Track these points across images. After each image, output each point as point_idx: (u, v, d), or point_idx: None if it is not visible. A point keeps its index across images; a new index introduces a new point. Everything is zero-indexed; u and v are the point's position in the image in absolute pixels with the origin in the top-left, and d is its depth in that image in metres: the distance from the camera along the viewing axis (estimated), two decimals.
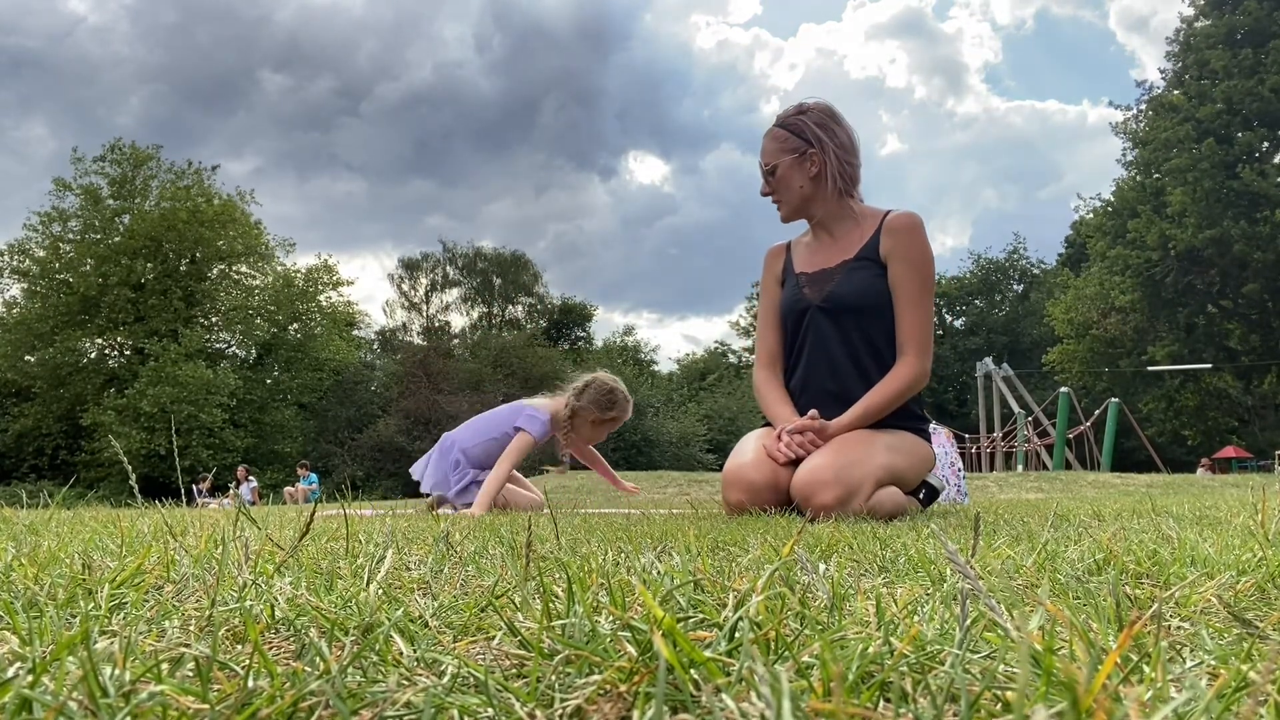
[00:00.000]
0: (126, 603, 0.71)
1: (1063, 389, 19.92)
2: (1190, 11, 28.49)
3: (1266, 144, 27.02)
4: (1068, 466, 19.18)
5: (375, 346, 36.29)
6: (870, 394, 2.47)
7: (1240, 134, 26.68)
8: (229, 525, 1.41)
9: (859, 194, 2.67)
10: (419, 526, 1.79)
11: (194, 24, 54.41)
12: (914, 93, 77.83)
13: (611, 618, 0.58)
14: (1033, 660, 0.44)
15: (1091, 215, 31.36)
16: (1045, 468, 19.54)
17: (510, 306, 41.41)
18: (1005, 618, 0.56)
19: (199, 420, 24.24)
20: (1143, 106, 29.39)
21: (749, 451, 2.47)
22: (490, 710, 0.44)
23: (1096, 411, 21.08)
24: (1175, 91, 28.39)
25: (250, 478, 16.17)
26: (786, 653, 0.51)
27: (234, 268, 28.30)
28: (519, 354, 30.32)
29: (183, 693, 0.43)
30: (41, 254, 26.30)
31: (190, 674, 0.49)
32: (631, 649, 0.49)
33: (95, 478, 24.05)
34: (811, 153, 2.59)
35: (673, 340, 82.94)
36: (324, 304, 30.14)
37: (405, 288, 40.31)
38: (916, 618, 0.64)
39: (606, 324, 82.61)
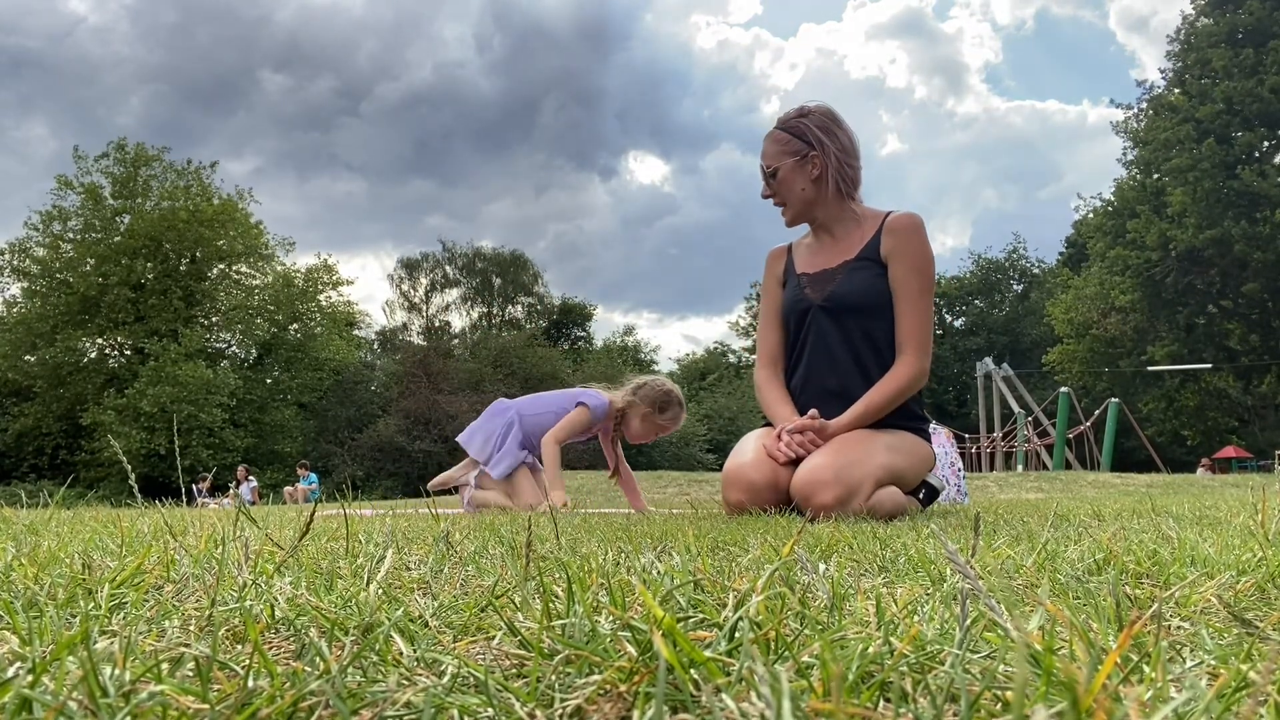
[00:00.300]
0: (126, 603, 0.71)
1: (1063, 389, 19.93)
2: (1192, 10, 28.49)
3: (1267, 144, 27.02)
4: (1068, 466, 19.19)
5: (375, 346, 36.30)
6: (870, 393, 2.47)
7: (1240, 134, 26.68)
8: (229, 525, 1.41)
9: (859, 196, 2.67)
10: (419, 526, 1.79)
11: (194, 24, 54.44)
12: (914, 93, 77.89)
13: (611, 618, 0.58)
14: (1033, 660, 0.44)
15: (1092, 215, 31.36)
16: (1045, 468, 19.55)
17: (510, 306, 41.43)
18: (1005, 618, 0.56)
19: (199, 420, 24.24)
20: (1143, 106, 29.40)
21: (749, 451, 2.47)
22: (490, 710, 0.44)
23: (1096, 411, 21.08)
24: (1176, 91, 28.39)
25: (250, 478, 16.17)
26: (786, 653, 0.51)
27: (234, 267, 28.30)
28: (519, 354, 30.31)
29: (183, 693, 0.43)
30: (42, 253, 26.30)
31: (190, 674, 0.49)
32: (631, 649, 0.49)
33: (95, 477, 24.05)
34: (813, 155, 2.59)
35: (673, 340, 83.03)
36: (324, 304, 30.14)
37: (405, 288, 40.35)
38: (916, 618, 0.64)
39: (606, 324, 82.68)
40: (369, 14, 64.35)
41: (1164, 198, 27.30)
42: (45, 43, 50.69)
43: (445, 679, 0.49)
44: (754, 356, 2.87)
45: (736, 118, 76.95)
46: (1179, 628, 0.65)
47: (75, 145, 26.64)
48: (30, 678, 0.43)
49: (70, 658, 0.47)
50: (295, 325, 29.12)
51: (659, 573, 0.83)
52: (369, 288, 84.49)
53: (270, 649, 0.59)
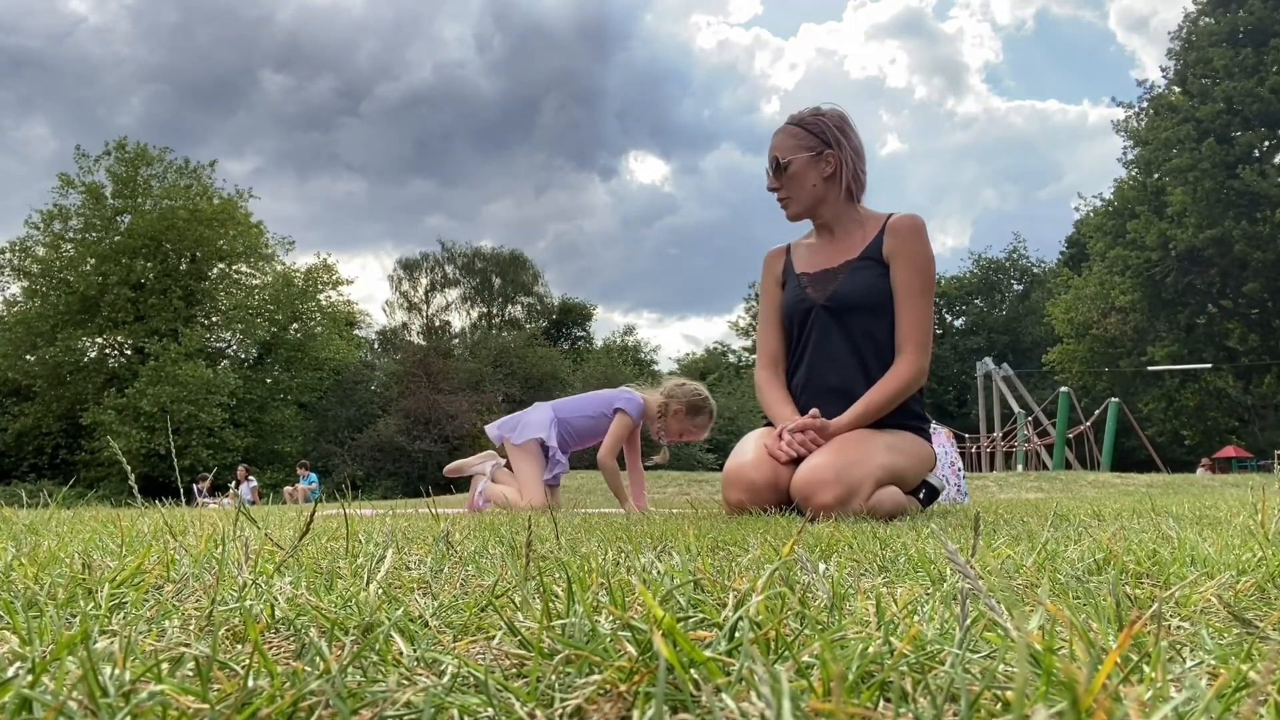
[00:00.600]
0: (126, 602, 0.71)
1: (1063, 389, 19.93)
2: (1194, 9, 28.48)
3: (1267, 144, 27.02)
4: (1068, 466, 19.19)
5: (375, 346, 36.32)
6: (870, 393, 2.47)
7: (1240, 134, 26.67)
8: (229, 525, 1.41)
9: (862, 200, 2.69)
10: (419, 526, 1.79)
11: (194, 24, 54.43)
12: (914, 93, 77.88)
13: (611, 617, 0.58)
14: (1033, 660, 0.44)
15: (1092, 215, 31.36)
16: (1045, 468, 19.55)
17: (510, 306, 41.43)
18: (1005, 618, 0.56)
19: (199, 420, 24.25)
20: (1144, 106, 29.39)
21: (749, 451, 2.48)
22: (490, 710, 0.44)
23: (1096, 411, 21.08)
24: (1176, 90, 28.38)
25: (250, 477, 16.17)
26: (786, 653, 0.51)
27: (234, 267, 28.31)
28: (519, 354, 30.33)
29: (183, 692, 0.43)
30: (42, 252, 26.30)
31: (190, 674, 0.49)
32: (631, 649, 0.49)
33: (95, 477, 24.06)
34: (829, 153, 2.61)
35: (673, 340, 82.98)
36: (324, 304, 30.15)
37: (405, 288, 40.36)
38: (916, 618, 0.64)
39: (606, 324, 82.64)
40: (369, 14, 64.37)
41: (1164, 198, 27.29)
42: (46, 43, 50.71)
43: (445, 679, 0.49)
44: (754, 356, 2.86)
45: (737, 118, 76.97)
46: (1179, 628, 0.65)
47: (77, 145, 26.65)
48: (30, 678, 0.43)
49: (70, 657, 0.47)
50: (295, 325, 29.12)
51: (659, 573, 0.83)
52: (369, 288, 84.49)
53: (270, 649, 0.59)
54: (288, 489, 15.24)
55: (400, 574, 0.91)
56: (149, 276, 26.08)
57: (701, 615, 0.61)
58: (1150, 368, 27.60)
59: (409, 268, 40.60)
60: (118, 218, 26.45)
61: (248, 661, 0.47)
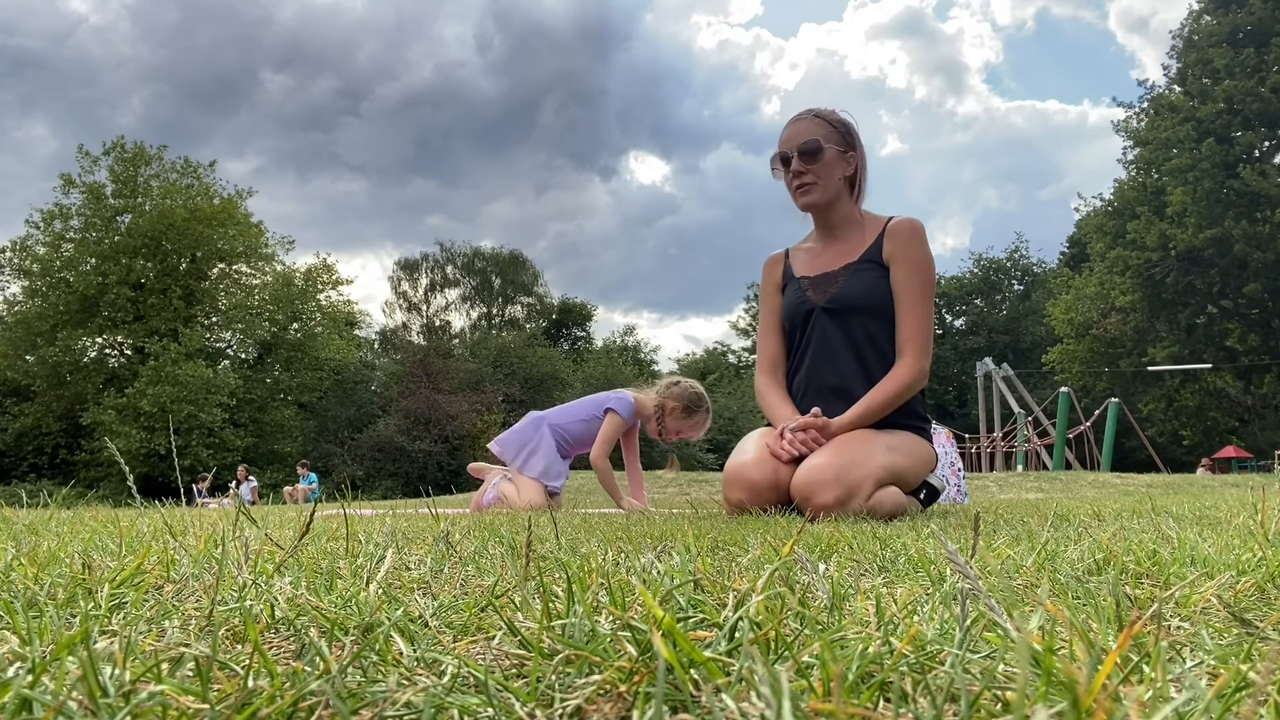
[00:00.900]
0: (126, 603, 0.71)
1: (1063, 389, 19.92)
2: (1196, 7, 28.47)
3: (1267, 144, 27.02)
4: (1068, 466, 19.19)
5: (375, 346, 36.32)
6: (870, 394, 2.47)
7: (1240, 134, 26.67)
8: (229, 525, 1.41)
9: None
10: (419, 526, 1.79)
11: (195, 24, 54.46)
12: (914, 93, 77.91)
13: (611, 618, 0.58)
14: (1033, 660, 0.44)
15: (1092, 215, 31.36)
16: (1045, 468, 19.55)
17: (510, 306, 41.45)
18: (1005, 618, 0.56)
19: (199, 420, 24.25)
20: (1144, 106, 29.39)
21: (750, 451, 2.47)
22: (490, 710, 0.44)
23: (1096, 411, 21.08)
24: (1177, 89, 28.38)
25: (250, 477, 16.17)
26: (786, 653, 0.51)
27: (234, 267, 28.31)
28: (519, 354, 30.33)
29: (183, 693, 0.43)
30: (42, 251, 26.30)
31: (190, 674, 0.49)
32: (631, 649, 0.49)
33: (95, 477, 24.05)
34: (851, 155, 2.62)
35: (673, 340, 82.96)
36: (324, 304, 30.15)
37: (404, 288, 40.37)
38: (916, 618, 0.64)
39: (606, 324, 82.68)
40: (370, 14, 64.40)
41: (1164, 198, 27.30)
42: (46, 43, 50.72)
43: (445, 679, 0.49)
44: (754, 356, 2.85)
45: (737, 118, 77.00)
46: (1179, 628, 0.65)
47: (80, 144, 26.64)
48: (30, 678, 0.43)
49: (70, 658, 0.47)
50: (295, 325, 29.12)
51: (659, 573, 0.83)
52: (369, 288, 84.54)
53: (270, 649, 0.59)
54: (288, 489, 15.24)
55: (400, 574, 0.91)
56: (149, 276, 26.08)
57: (701, 615, 0.61)
58: (1150, 368, 27.59)
59: (409, 268, 40.63)
60: (118, 217, 26.45)
61: (248, 661, 0.47)
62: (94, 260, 25.83)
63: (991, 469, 21.24)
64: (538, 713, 0.44)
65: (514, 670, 0.54)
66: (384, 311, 40.55)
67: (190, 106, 55.99)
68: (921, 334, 2.52)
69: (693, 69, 76.66)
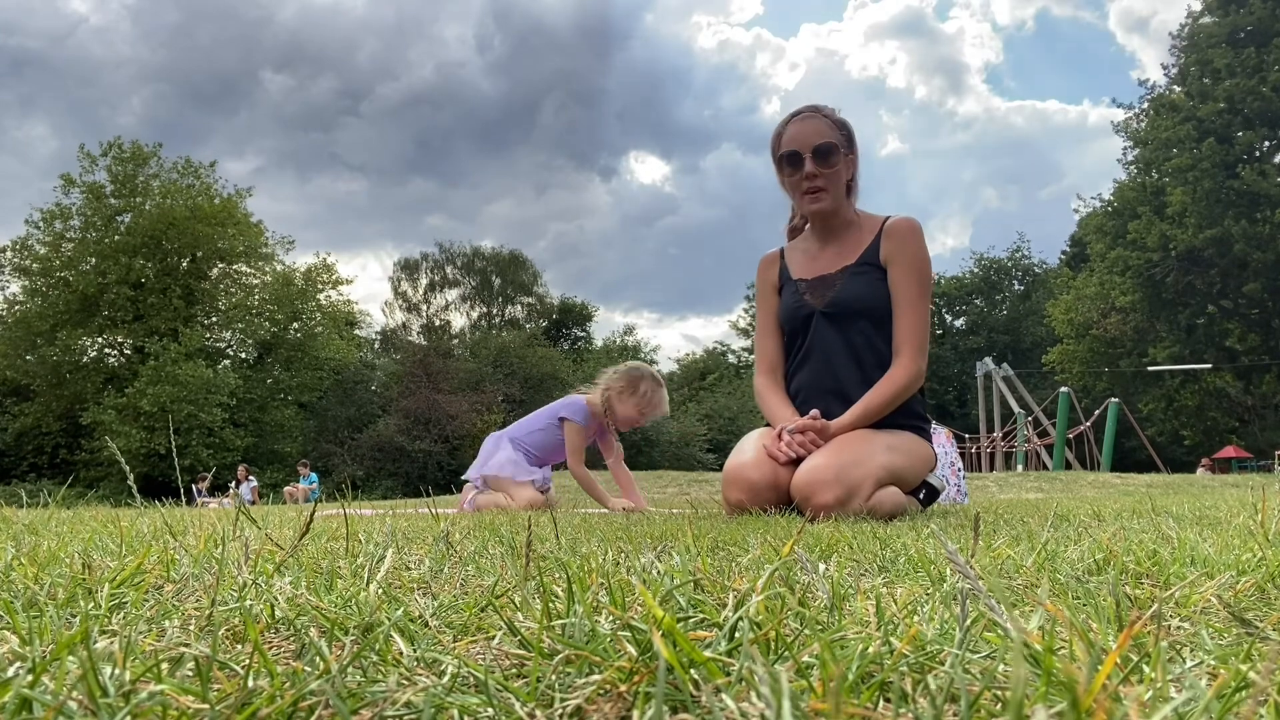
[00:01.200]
0: (126, 602, 0.71)
1: (1063, 389, 19.92)
2: (1198, 6, 28.48)
3: (1267, 143, 27.02)
4: (1068, 466, 19.19)
5: (376, 346, 36.33)
6: (869, 395, 2.47)
7: (1241, 133, 26.67)
8: (229, 525, 1.41)
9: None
10: (419, 526, 1.79)
11: (195, 24, 54.44)
12: (914, 93, 77.90)
13: (611, 618, 0.58)
14: (1032, 660, 0.44)
15: (1091, 216, 31.36)
16: (1045, 468, 19.55)
17: (510, 306, 41.45)
18: (1005, 618, 0.56)
19: (199, 419, 24.24)
20: (1144, 105, 29.40)
21: (749, 451, 2.47)
22: (490, 710, 0.44)
23: (1096, 412, 21.08)
24: (1177, 89, 28.38)
25: (250, 477, 16.17)
26: (786, 653, 0.51)
27: (233, 267, 28.31)
28: (519, 354, 30.31)
29: (183, 692, 0.43)
30: (43, 251, 26.30)
31: (190, 674, 0.49)
32: (631, 649, 0.49)
33: (95, 477, 24.05)
34: (851, 156, 2.60)
35: (673, 340, 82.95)
36: (323, 303, 30.15)
37: (404, 288, 40.38)
38: (916, 618, 0.64)
39: (606, 324, 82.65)
40: (370, 14, 64.41)
41: (1164, 198, 27.30)
42: (47, 43, 50.73)
43: (445, 679, 0.49)
44: (754, 356, 2.82)
45: (737, 118, 76.95)
46: (1179, 628, 0.65)
47: (81, 144, 26.64)
48: (30, 677, 0.43)
49: (70, 657, 0.47)
50: (295, 325, 29.12)
51: (659, 573, 0.83)
52: (369, 288, 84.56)
53: (270, 649, 0.59)
54: (288, 489, 15.24)
55: (400, 574, 0.91)
56: (149, 276, 26.07)
57: (701, 615, 0.61)
58: (1150, 368, 27.60)
59: (408, 268, 40.65)
60: (117, 217, 26.45)
61: (248, 661, 0.47)
62: (94, 260, 25.83)
63: (991, 469, 21.24)
64: (538, 713, 0.44)
65: (514, 670, 0.54)
66: (384, 312, 40.58)
67: (190, 106, 56.03)
68: (918, 334, 2.51)
69: (693, 69, 76.66)
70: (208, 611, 0.64)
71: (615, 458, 3.91)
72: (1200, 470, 18.05)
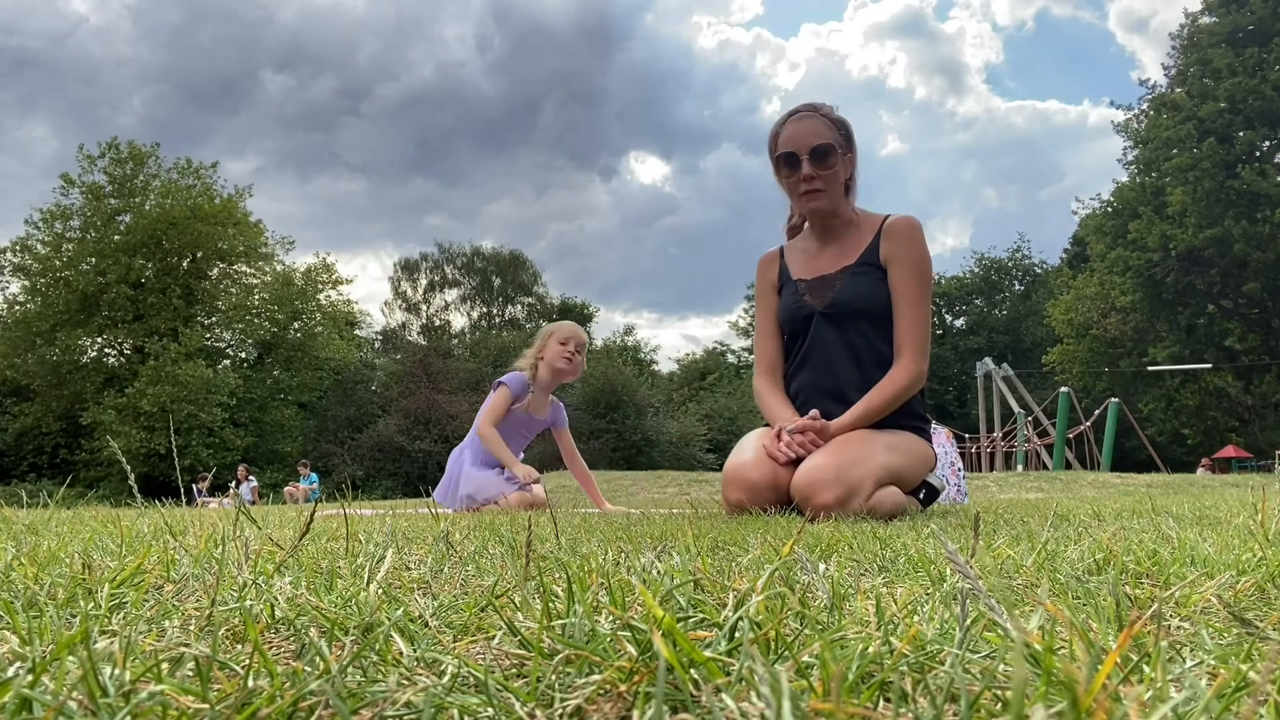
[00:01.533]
0: (126, 602, 0.71)
1: (1063, 389, 19.91)
2: (1198, 6, 28.48)
3: (1267, 143, 27.02)
4: (1068, 466, 19.18)
5: (376, 346, 36.33)
6: (869, 395, 2.47)
7: (1241, 133, 26.67)
8: (229, 525, 1.41)
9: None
10: (419, 526, 1.79)
11: (196, 24, 54.45)
12: (915, 93, 77.91)
13: (611, 617, 0.58)
14: (1032, 660, 0.44)
15: (1091, 217, 31.37)
16: (1045, 468, 19.54)
17: (510, 306, 41.45)
18: (1005, 618, 0.56)
19: (199, 419, 24.24)
20: (1144, 105, 29.41)
21: (749, 451, 2.47)
22: (490, 710, 0.44)
23: (1096, 411, 21.08)
24: (1178, 90, 28.38)
25: (250, 477, 16.18)
26: (786, 653, 0.51)
27: (233, 267, 28.31)
28: (519, 354, 30.27)
29: (183, 692, 0.43)
30: (43, 251, 26.30)
31: (190, 674, 0.49)
32: (631, 649, 0.49)
33: (95, 477, 24.05)
34: (849, 155, 2.59)
35: (673, 340, 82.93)
36: (323, 303, 30.15)
37: (404, 288, 40.39)
38: (916, 618, 0.64)
39: (607, 324, 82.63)
40: (370, 14, 64.43)
41: (1164, 198, 27.30)
42: (47, 43, 50.74)
43: (445, 679, 0.49)
44: (753, 356, 2.80)
45: (737, 118, 76.94)
46: (1179, 628, 0.65)
47: (80, 144, 26.64)
48: (30, 677, 0.43)
49: (70, 657, 0.47)
50: (295, 325, 29.12)
51: (659, 573, 0.83)
52: (369, 288, 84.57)
53: (270, 649, 0.59)
54: (288, 489, 15.24)
55: (400, 574, 0.91)
56: (148, 275, 26.08)
57: (701, 615, 0.61)
58: (1150, 368, 27.59)
59: (408, 268, 40.67)
60: (117, 217, 26.45)
61: (248, 661, 0.47)
62: (93, 259, 25.83)
63: (991, 469, 21.23)
64: (538, 713, 0.44)
65: (514, 670, 0.54)
66: (384, 312, 40.60)
67: (191, 107, 56.05)
68: (919, 335, 2.51)
69: (693, 69, 76.64)
70: (208, 611, 0.64)
71: (572, 453, 4.00)
72: (1200, 470, 18.04)
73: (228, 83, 56.62)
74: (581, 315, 43.88)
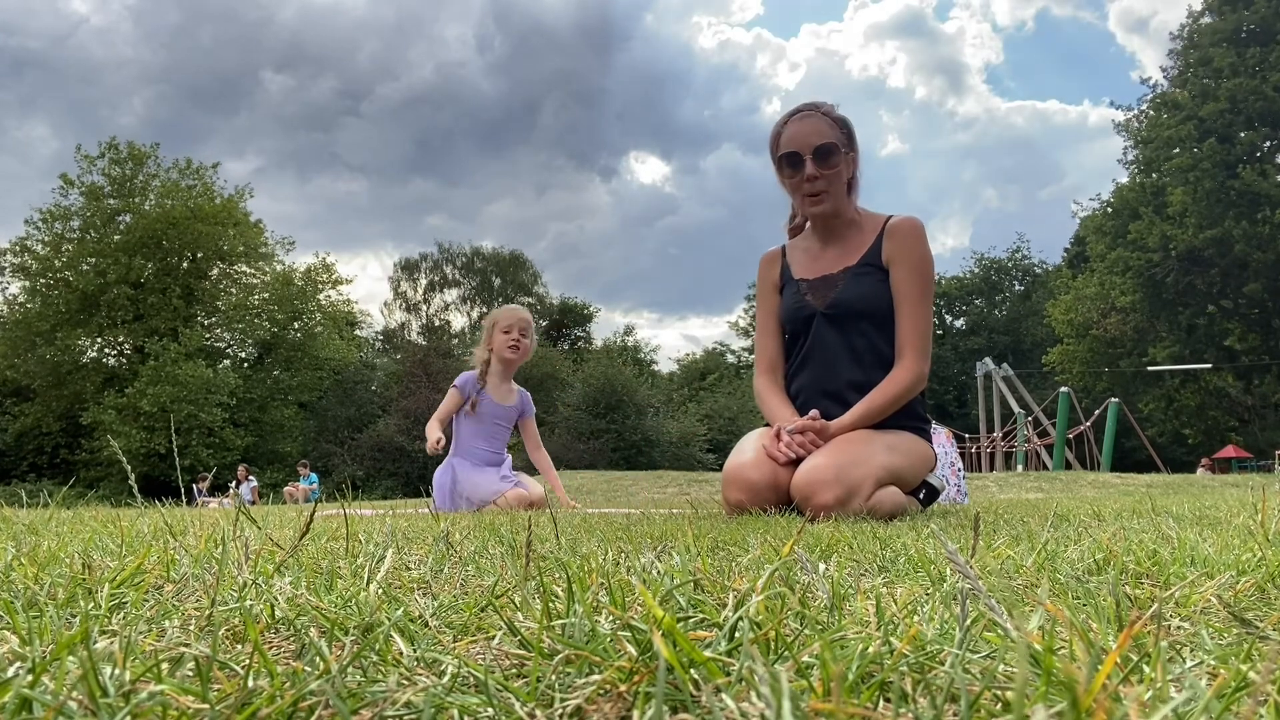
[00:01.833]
0: (126, 602, 0.71)
1: (1063, 389, 19.91)
2: (1199, 6, 28.46)
3: (1268, 144, 27.01)
4: (1068, 466, 19.18)
5: (376, 346, 36.34)
6: (870, 396, 2.46)
7: (1242, 133, 26.66)
8: (229, 525, 1.41)
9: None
10: (419, 526, 1.79)
11: (196, 24, 54.50)
12: (915, 93, 77.94)
13: (611, 617, 0.57)
14: (1032, 660, 0.44)
15: (1093, 216, 31.36)
16: (1045, 468, 19.55)
17: None
18: (1005, 618, 0.56)
19: (199, 419, 24.24)
20: (1144, 105, 29.40)
21: (749, 451, 2.47)
22: (490, 710, 0.44)
23: (1096, 411, 21.08)
24: (1178, 90, 28.37)
25: (250, 477, 16.18)
26: (786, 653, 0.51)
27: (233, 267, 28.31)
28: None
29: (183, 692, 0.43)
30: (43, 251, 26.30)
31: (190, 674, 0.49)
32: (631, 649, 0.49)
33: (95, 477, 24.05)
34: (851, 154, 2.58)
35: (673, 340, 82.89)
36: (323, 303, 30.14)
37: (403, 288, 40.40)
38: (916, 618, 0.64)
39: (607, 324, 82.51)
40: (370, 14, 64.46)
41: (1164, 198, 27.30)
42: (47, 43, 50.77)
43: (445, 679, 0.49)
44: (754, 356, 2.80)
45: (738, 118, 76.96)
46: (1179, 628, 0.65)
47: (78, 144, 26.64)
48: (30, 677, 0.43)
49: (70, 657, 0.47)
50: (295, 325, 29.12)
51: (659, 573, 0.83)
52: (369, 287, 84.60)
53: (270, 649, 0.59)
54: (288, 489, 15.24)
55: (400, 574, 0.91)
56: (148, 275, 26.07)
57: (701, 615, 0.60)
58: (1150, 368, 27.59)
59: (408, 268, 40.68)
60: (117, 217, 26.44)
61: (248, 661, 0.47)
62: (93, 259, 25.82)
63: (991, 469, 21.23)
64: (538, 713, 0.44)
65: (514, 670, 0.54)
66: (383, 312, 40.60)
67: (191, 107, 56.09)
68: (921, 336, 2.51)
69: (693, 69, 76.64)
70: (208, 611, 0.64)
71: (537, 446, 4.08)
72: (1200, 470, 18.04)
73: (228, 83, 56.69)
74: (582, 315, 43.91)
